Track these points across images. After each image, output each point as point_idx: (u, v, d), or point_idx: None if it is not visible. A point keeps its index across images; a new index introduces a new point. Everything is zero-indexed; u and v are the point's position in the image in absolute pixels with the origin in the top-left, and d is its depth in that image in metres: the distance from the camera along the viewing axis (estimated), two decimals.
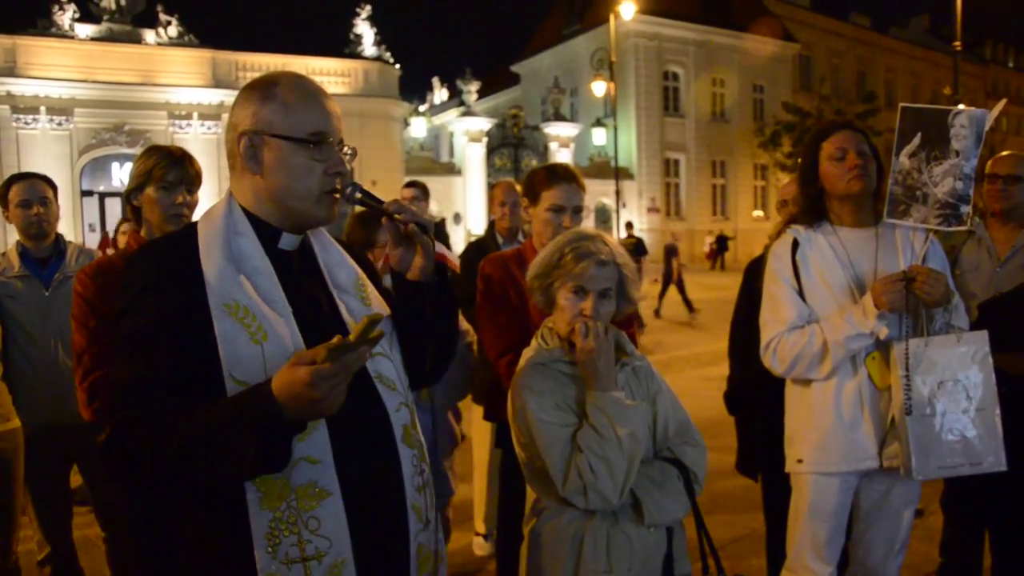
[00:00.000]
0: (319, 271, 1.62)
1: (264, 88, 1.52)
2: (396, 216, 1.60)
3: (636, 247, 15.19)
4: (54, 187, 3.41)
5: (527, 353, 2.15)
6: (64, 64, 23.18)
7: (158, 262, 1.46)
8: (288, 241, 1.57)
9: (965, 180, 2.38)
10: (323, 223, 1.60)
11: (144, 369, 1.37)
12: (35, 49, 23.00)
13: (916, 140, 2.43)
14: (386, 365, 1.60)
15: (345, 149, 1.57)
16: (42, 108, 22.94)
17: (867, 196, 2.52)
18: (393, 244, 1.67)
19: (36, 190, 3.29)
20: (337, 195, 1.54)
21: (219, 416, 1.31)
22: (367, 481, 1.47)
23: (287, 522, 1.38)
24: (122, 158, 24.17)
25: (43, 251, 3.35)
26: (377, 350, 1.56)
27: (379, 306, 1.69)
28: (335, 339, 1.23)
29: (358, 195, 1.56)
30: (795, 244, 2.57)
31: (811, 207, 2.60)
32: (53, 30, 23.51)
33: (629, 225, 19.14)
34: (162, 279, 1.42)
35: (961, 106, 2.58)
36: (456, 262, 4.47)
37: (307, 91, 1.53)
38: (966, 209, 2.39)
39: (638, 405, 2.00)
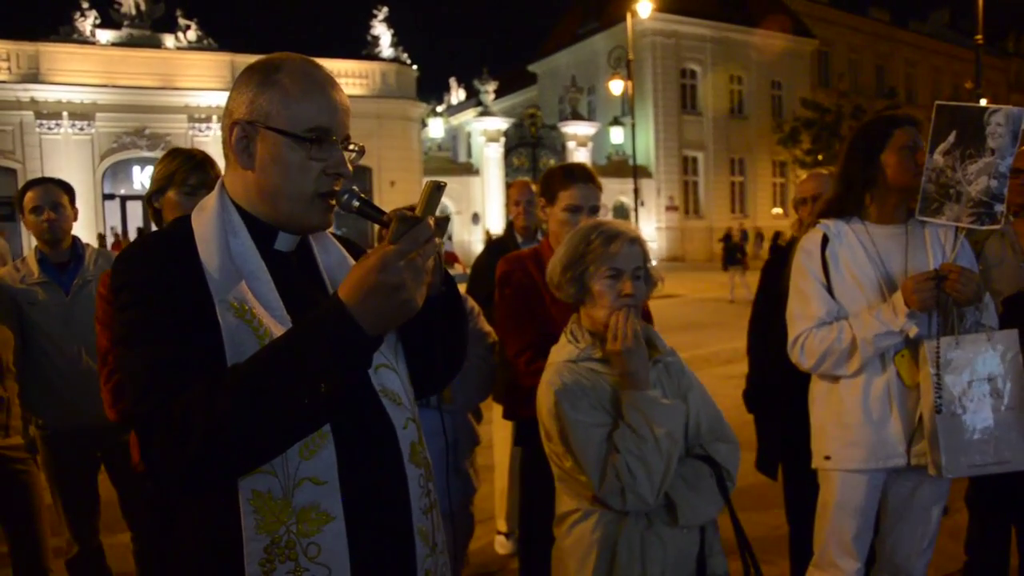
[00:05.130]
0: (319, 274, 1.49)
1: (265, 72, 1.36)
2: None
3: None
4: (70, 192, 3.34)
5: (556, 350, 2.11)
6: (86, 69, 23.47)
7: (157, 256, 1.34)
8: (285, 242, 1.43)
9: (1000, 178, 2.36)
10: (317, 229, 1.45)
11: (167, 349, 1.23)
12: (57, 55, 23.31)
13: (951, 138, 2.41)
14: (391, 378, 1.46)
15: (351, 146, 1.41)
16: (64, 113, 23.24)
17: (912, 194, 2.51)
18: None
19: (49, 196, 3.24)
20: (333, 200, 1.37)
21: (280, 344, 1.18)
22: (372, 504, 1.35)
23: (284, 547, 1.26)
24: (143, 162, 24.45)
25: (61, 256, 3.34)
26: (380, 361, 1.44)
27: None
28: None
29: (355, 203, 1.34)
30: (824, 240, 2.55)
31: (848, 194, 2.58)
32: (75, 36, 23.86)
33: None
34: (163, 273, 1.30)
35: (985, 101, 2.55)
36: (461, 259, 4.48)
37: (313, 80, 1.36)
38: (1000, 208, 2.36)
39: (674, 404, 1.95)
